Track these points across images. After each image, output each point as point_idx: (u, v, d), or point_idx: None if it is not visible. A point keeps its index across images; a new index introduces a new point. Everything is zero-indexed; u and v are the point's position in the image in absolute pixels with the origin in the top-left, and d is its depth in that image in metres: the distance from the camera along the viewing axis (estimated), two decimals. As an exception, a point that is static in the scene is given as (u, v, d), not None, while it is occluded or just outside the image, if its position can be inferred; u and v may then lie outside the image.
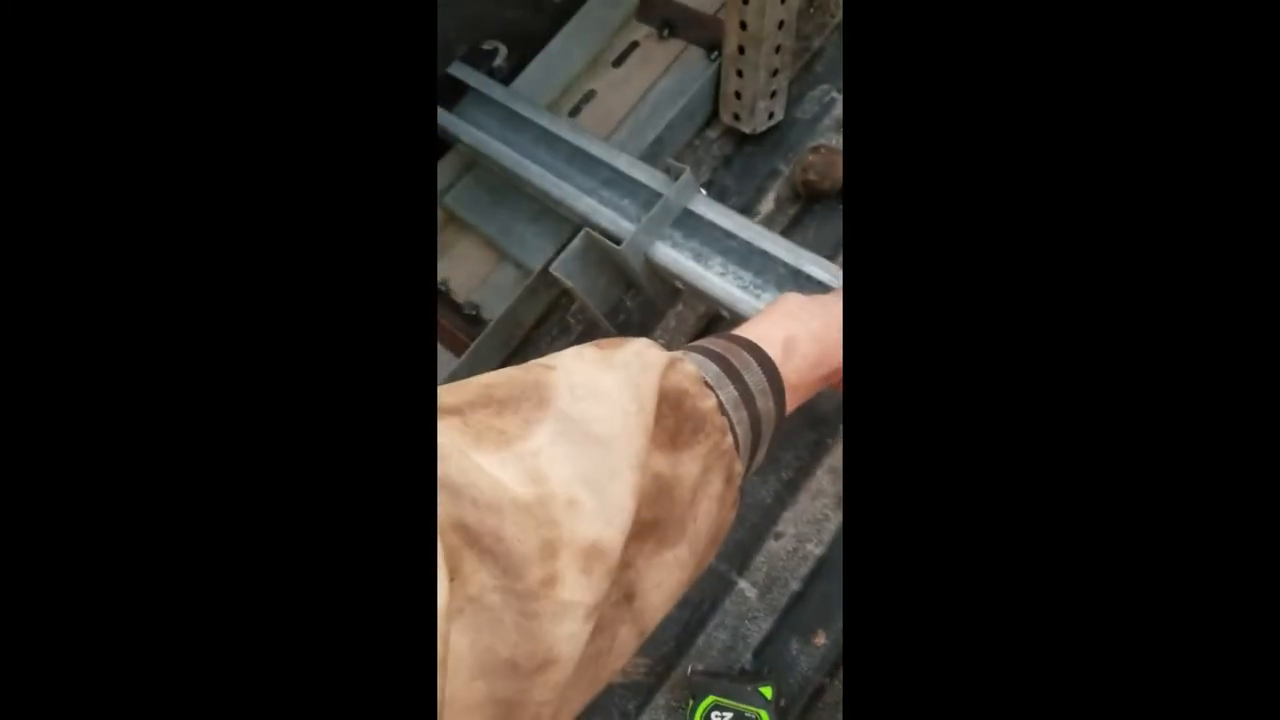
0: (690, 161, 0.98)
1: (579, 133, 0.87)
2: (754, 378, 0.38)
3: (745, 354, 0.40)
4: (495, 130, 0.92)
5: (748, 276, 0.71)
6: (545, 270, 0.89)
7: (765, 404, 0.38)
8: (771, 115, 0.94)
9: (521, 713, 0.24)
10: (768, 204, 0.94)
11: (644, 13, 1.07)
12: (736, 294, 0.70)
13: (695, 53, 1.03)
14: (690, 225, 0.75)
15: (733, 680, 0.66)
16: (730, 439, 0.35)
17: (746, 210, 0.94)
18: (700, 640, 0.72)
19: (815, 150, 0.90)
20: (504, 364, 0.96)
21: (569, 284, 0.76)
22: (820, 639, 0.70)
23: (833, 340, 0.44)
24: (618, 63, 1.06)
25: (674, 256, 0.74)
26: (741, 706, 0.63)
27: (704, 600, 0.74)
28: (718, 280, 0.71)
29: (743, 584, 0.74)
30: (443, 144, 0.99)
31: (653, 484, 0.31)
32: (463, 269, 0.98)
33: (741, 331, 0.44)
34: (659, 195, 0.76)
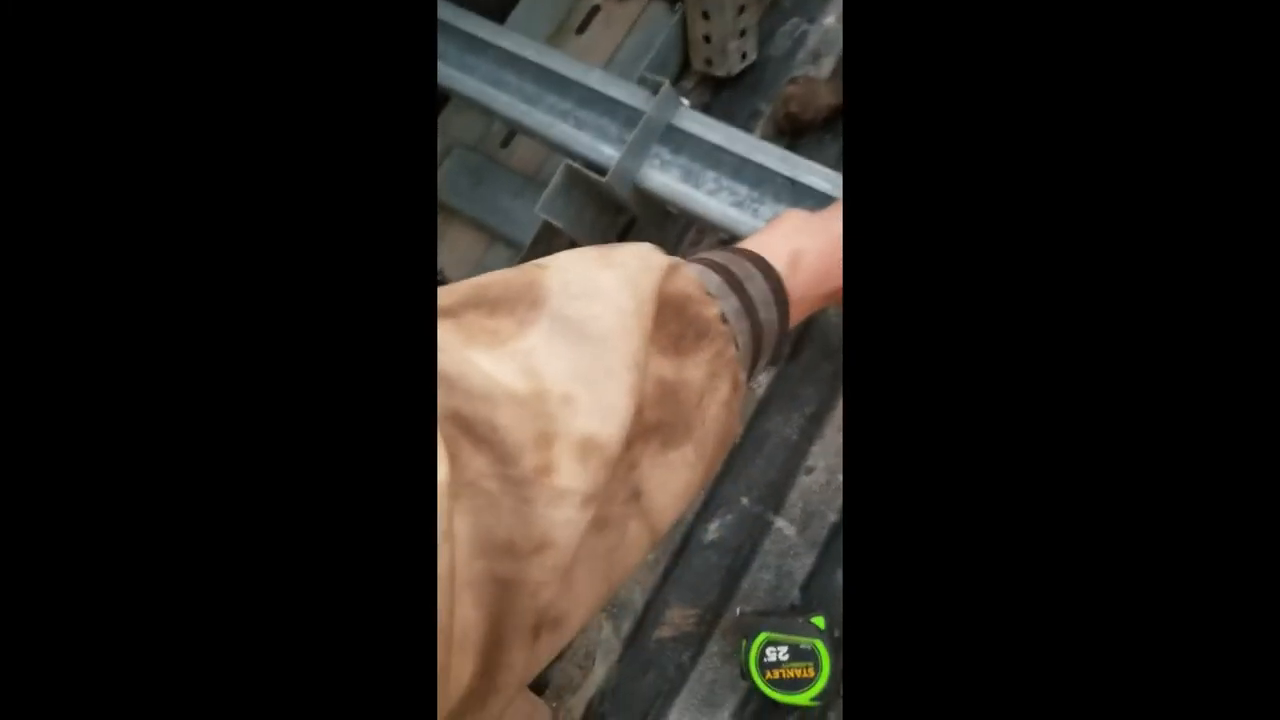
0: (669, 115, 0.97)
1: (546, 52, 0.80)
2: (757, 288, 0.38)
3: (749, 265, 0.39)
4: (453, 58, 0.85)
5: (743, 190, 0.68)
6: (536, 242, 0.88)
7: (768, 315, 0.38)
8: (744, 55, 0.92)
9: (520, 590, 0.24)
10: (753, 145, 0.92)
11: (601, -26, 1.05)
12: (732, 214, 0.67)
13: (658, 7, 1.01)
14: (677, 141, 0.71)
15: (783, 616, 0.65)
16: (733, 348, 0.34)
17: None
18: (745, 584, 0.71)
19: (793, 81, 0.88)
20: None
21: (558, 224, 0.73)
22: (866, 565, 0.69)
23: (838, 258, 0.44)
24: (581, 29, 1.04)
25: (663, 181, 0.70)
26: (795, 639, 0.62)
27: (743, 544, 0.73)
28: (713, 201, 0.68)
29: (780, 522, 0.73)
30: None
31: (657, 387, 0.30)
32: (455, 255, 0.97)
33: (746, 244, 0.43)
34: (640, 114, 0.72)
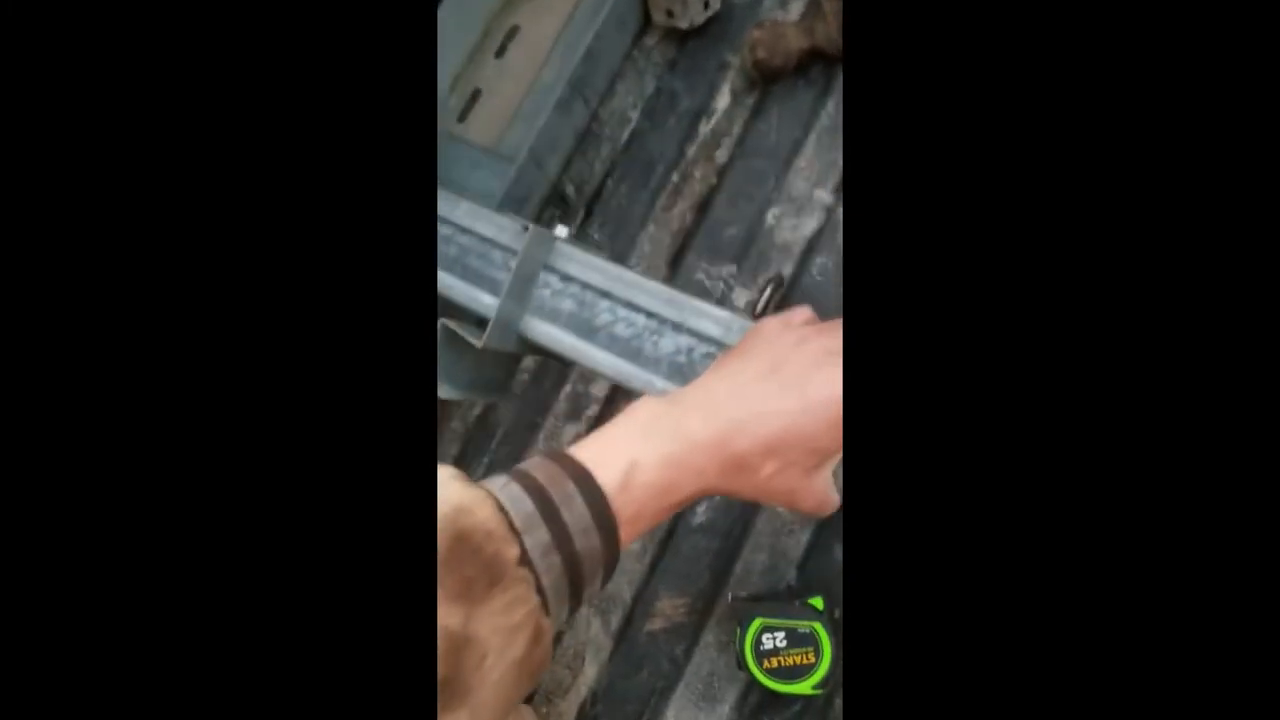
0: (632, 74, 0.91)
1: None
2: (575, 514, 0.35)
3: (570, 485, 0.36)
4: None
5: (640, 321, 0.60)
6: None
7: (587, 543, 0.36)
8: (707, 4, 0.86)
9: None
10: (723, 99, 0.86)
11: (552, -70, 0.99)
12: (625, 368, 0.59)
13: (615, -40, 0.95)
14: (565, 274, 0.63)
15: (778, 599, 0.60)
16: (535, 594, 0.33)
17: (703, 111, 0.86)
18: (738, 567, 0.67)
19: (760, 26, 0.82)
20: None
21: (453, 397, 0.64)
22: (866, 538, 0.64)
23: (691, 465, 0.39)
24: (536, -10, 0.98)
25: (549, 332, 0.61)
26: (793, 623, 0.57)
27: (734, 525, 0.68)
28: (601, 355, 0.60)
29: (772, 499, 0.68)
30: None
31: (443, 639, 0.29)
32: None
33: (580, 449, 0.40)
34: (509, 249, 0.64)
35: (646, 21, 0.92)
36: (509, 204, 0.83)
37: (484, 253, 0.67)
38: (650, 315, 0.61)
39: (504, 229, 0.66)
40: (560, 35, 0.94)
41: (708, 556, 0.68)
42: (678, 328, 0.60)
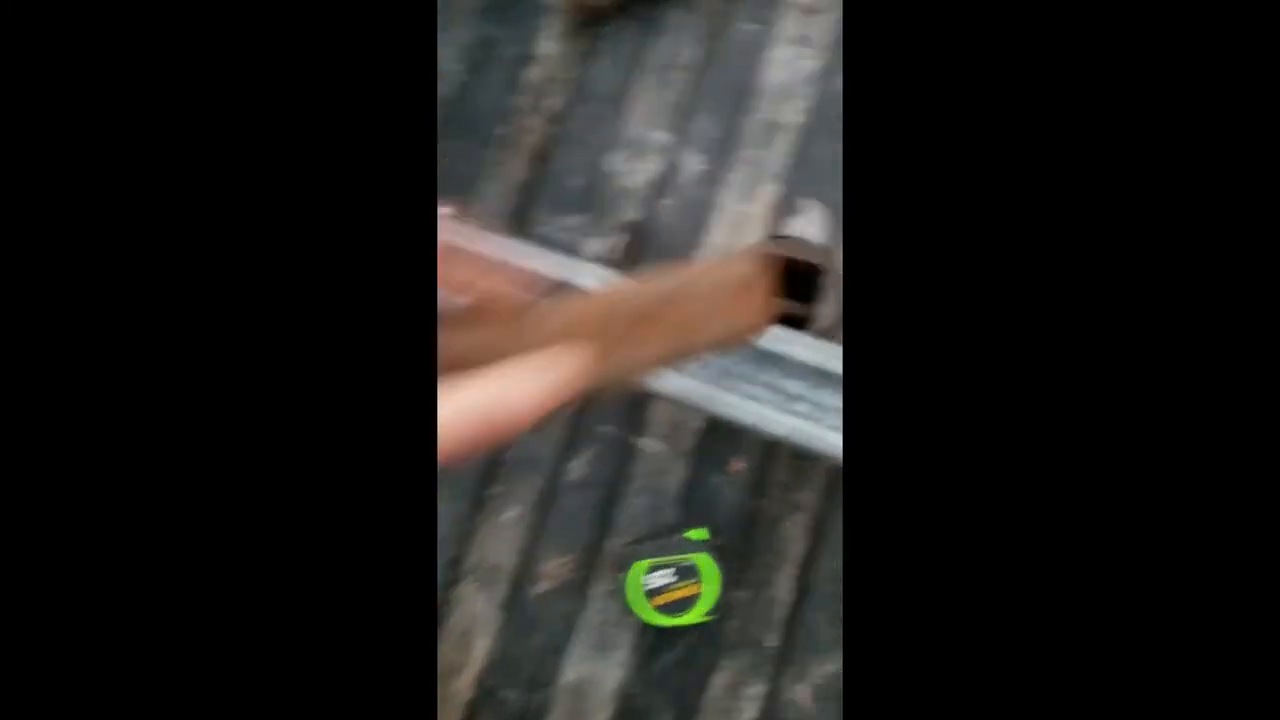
0: (447, 27, 0.85)
1: None
2: None
3: None
4: None
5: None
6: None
7: None
8: (520, -57, 0.82)
9: None
10: (548, 44, 0.83)
11: None
12: None
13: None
14: None
15: (661, 538, 0.61)
16: None
17: (526, 58, 0.82)
18: (620, 515, 0.66)
19: (577, -36, 0.79)
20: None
21: None
22: (738, 465, 0.66)
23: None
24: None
25: None
26: (676, 559, 0.58)
27: (610, 474, 0.67)
28: None
29: (644, 442, 0.68)
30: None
31: None
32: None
33: None
34: None
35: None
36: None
37: None
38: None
39: None
40: None
41: (589, 510, 0.67)
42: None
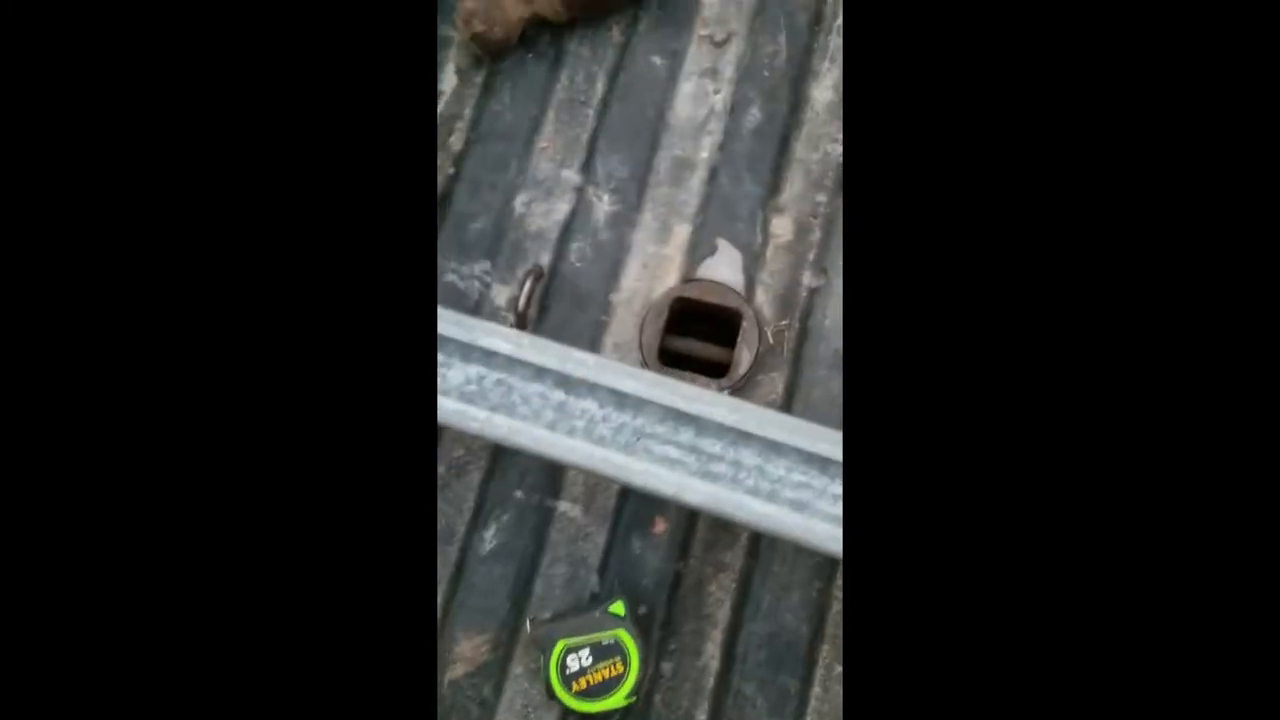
0: None
1: None
2: None
3: None
4: None
5: None
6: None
7: None
8: (411, -28, 0.77)
9: None
10: (449, 79, 0.78)
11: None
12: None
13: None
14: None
15: (579, 614, 0.57)
16: None
17: (426, 94, 0.78)
18: (538, 586, 0.62)
19: (470, -5, 0.74)
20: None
21: None
22: (660, 526, 0.63)
23: None
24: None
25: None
26: (595, 637, 0.54)
27: (527, 543, 0.63)
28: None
29: (562, 506, 0.64)
30: None
31: None
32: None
33: None
34: None
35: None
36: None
37: None
38: (440, 347, 0.56)
39: None
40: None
41: (505, 584, 0.62)
42: (466, 356, 0.56)
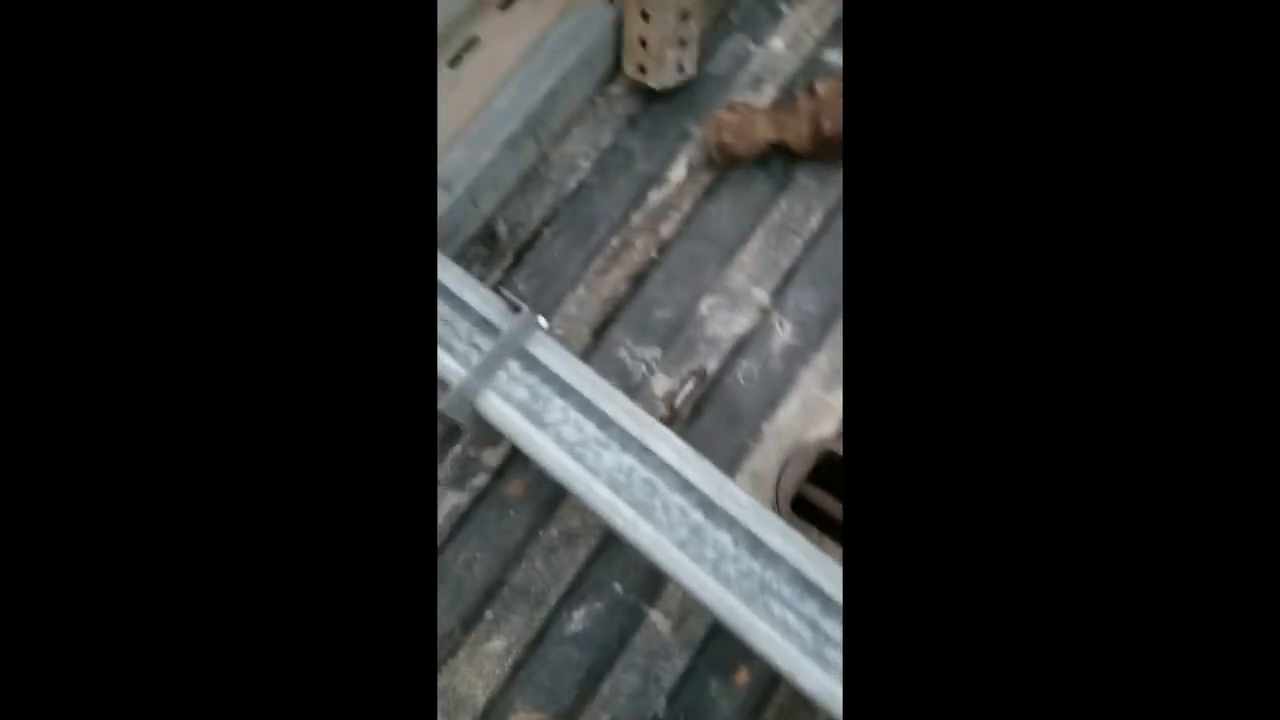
0: (591, 122, 0.86)
1: None
2: None
3: None
4: None
5: (590, 429, 0.59)
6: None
7: None
8: (681, 68, 0.82)
9: None
10: (678, 170, 0.82)
11: (534, -53, 0.92)
12: (570, 466, 0.57)
13: (594, -4, 0.89)
14: (529, 360, 0.61)
15: (642, 739, 0.56)
16: None
17: (655, 178, 0.82)
18: (606, 686, 0.62)
19: (731, 108, 0.79)
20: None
21: None
22: (742, 676, 0.61)
23: None
24: (505, 5, 0.91)
25: (504, 411, 0.60)
26: (652, 773, 0.53)
27: (610, 638, 0.63)
28: (550, 446, 0.58)
29: (655, 615, 0.64)
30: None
31: None
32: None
33: None
34: (488, 323, 0.61)
35: (616, 67, 0.87)
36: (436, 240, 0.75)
37: (449, 319, 0.62)
38: (603, 425, 0.58)
39: (488, 302, 0.62)
40: (524, 62, 0.88)
41: (577, 671, 0.62)
42: (626, 445, 0.58)
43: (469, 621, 0.66)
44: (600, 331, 0.76)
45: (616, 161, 0.83)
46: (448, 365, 0.61)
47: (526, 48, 0.89)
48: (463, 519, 0.70)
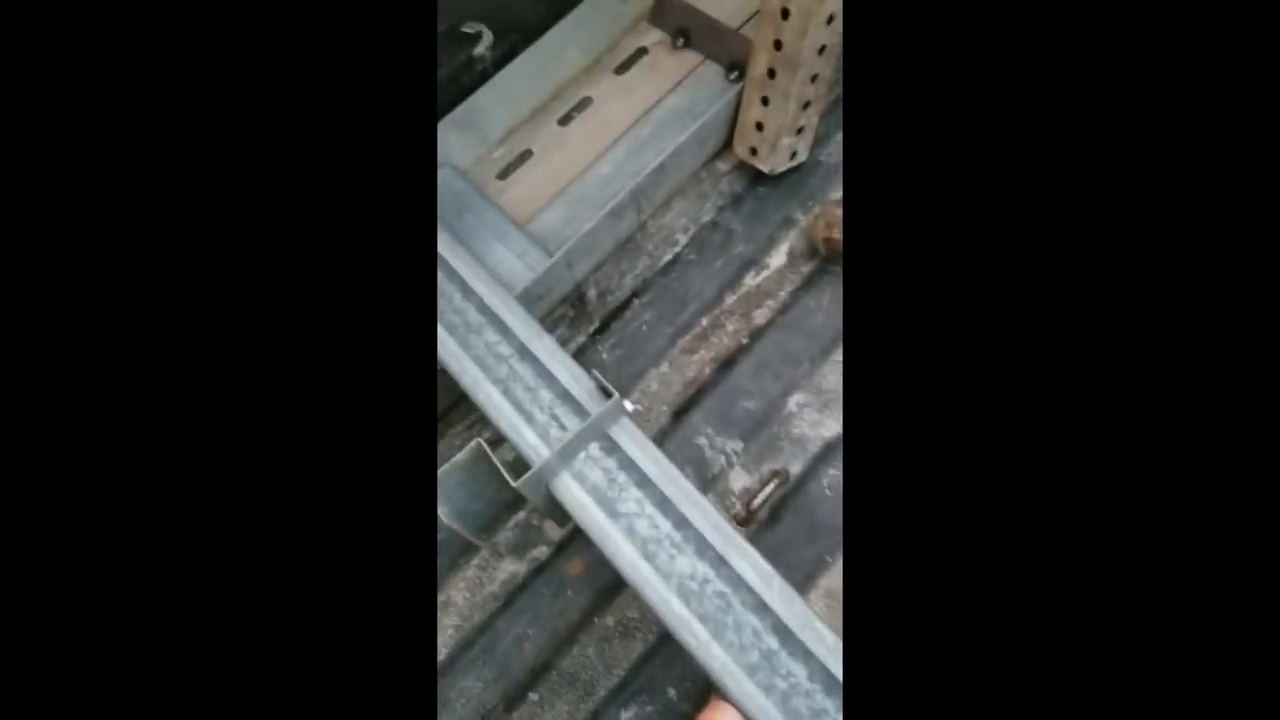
0: (693, 195, 0.85)
1: (505, 298, 0.64)
2: None
3: None
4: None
5: (665, 527, 0.56)
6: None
7: None
8: (794, 154, 0.81)
9: None
10: (779, 256, 0.81)
11: (658, 16, 0.93)
12: (643, 569, 0.55)
13: (712, 70, 0.89)
14: (610, 444, 0.59)
15: None
16: None
17: (754, 262, 0.80)
18: (648, 802, 0.58)
19: (840, 204, 0.77)
20: (449, 413, 0.80)
21: (443, 517, 0.58)
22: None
23: None
24: (621, 69, 0.92)
25: (578, 497, 0.57)
26: None
27: (658, 748, 0.60)
28: (624, 543, 0.56)
29: (707, 732, 0.60)
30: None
31: None
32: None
33: None
34: (572, 400, 0.59)
35: (728, 144, 0.86)
36: (526, 298, 0.75)
37: (534, 387, 0.61)
38: (679, 525, 0.56)
39: (577, 379, 0.60)
40: (634, 127, 0.88)
41: (618, 779, 0.59)
42: (702, 551, 0.55)
43: (512, 701, 0.64)
44: (680, 414, 0.74)
45: (715, 239, 0.82)
46: (528, 439, 0.59)
47: (639, 114, 0.89)
48: (518, 590, 0.68)
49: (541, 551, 0.70)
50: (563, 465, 0.58)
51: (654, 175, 0.80)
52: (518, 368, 0.63)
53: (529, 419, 0.61)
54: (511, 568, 0.69)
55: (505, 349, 0.64)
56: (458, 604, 0.68)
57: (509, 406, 0.61)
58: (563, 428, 0.59)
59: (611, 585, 0.67)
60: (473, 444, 0.55)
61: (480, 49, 0.83)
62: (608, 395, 0.58)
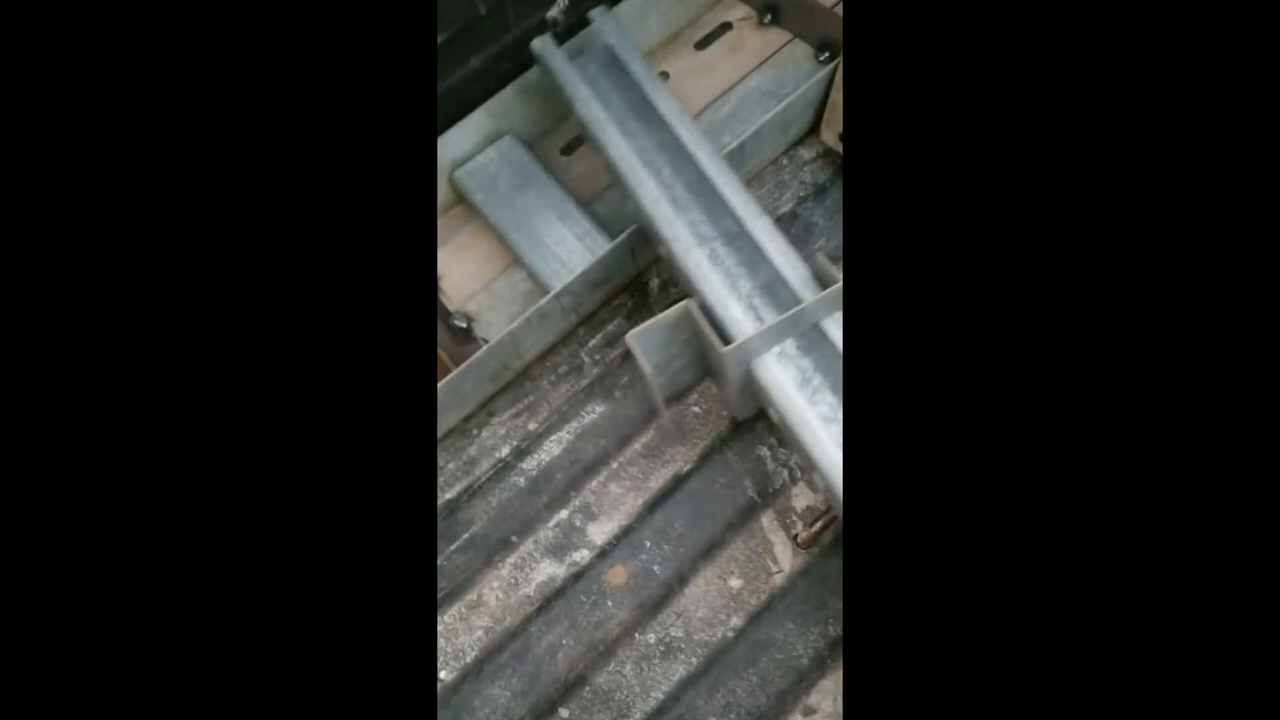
0: (773, 183, 0.78)
1: (722, 169, 0.64)
2: None
3: None
4: (617, 111, 0.68)
5: None
6: (563, 291, 0.69)
7: None
8: (887, 145, 0.74)
9: None
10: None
11: (746, -12, 0.86)
12: (831, 452, 0.53)
13: (801, 49, 0.82)
14: (810, 339, 0.57)
15: None
16: None
17: (834, 260, 0.73)
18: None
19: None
20: (492, 400, 0.76)
21: (641, 360, 0.58)
22: None
23: None
24: (702, 44, 0.85)
25: (780, 382, 0.56)
26: None
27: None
28: (822, 432, 0.54)
29: (752, 775, 0.54)
30: (476, 98, 0.78)
31: None
32: (460, 267, 0.78)
33: None
34: (786, 285, 0.59)
35: (814, 128, 0.79)
36: (585, 283, 0.70)
37: (754, 264, 0.61)
38: None
39: (790, 259, 0.60)
40: (713, 103, 0.82)
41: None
42: None
43: (541, 715, 0.59)
44: (742, 421, 0.68)
45: (793, 233, 0.75)
46: (734, 314, 0.58)
47: (718, 92, 0.83)
48: (555, 595, 0.64)
49: (583, 555, 0.65)
50: (767, 346, 0.56)
51: (732, 157, 0.73)
52: (728, 248, 0.61)
53: (737, 292, 0.59)
54: (550, 569, 0.64)
55: (712, 229, 0.62)
56: (489, 604, 0.64)
57: (717, 278, 0.60)
58: (765, 313, 0.58)
59: (657, 600, 0.62)
60: (681, 304, 0.57)
61: (554, 12, 0.78)
62: (825, 285, 0.57)
